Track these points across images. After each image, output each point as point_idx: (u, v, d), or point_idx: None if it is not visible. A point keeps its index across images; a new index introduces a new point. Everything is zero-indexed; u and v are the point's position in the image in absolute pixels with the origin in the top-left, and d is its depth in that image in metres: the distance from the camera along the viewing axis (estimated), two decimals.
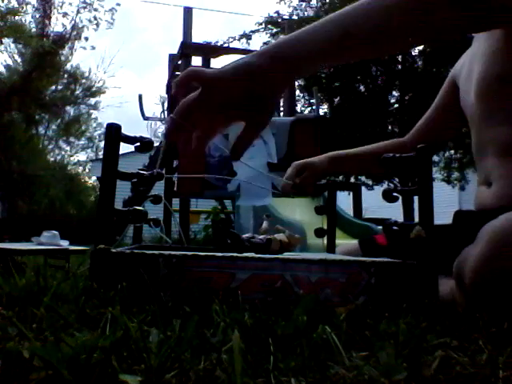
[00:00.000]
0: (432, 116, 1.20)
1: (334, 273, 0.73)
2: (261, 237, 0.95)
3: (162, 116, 3.95)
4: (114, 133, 0.78)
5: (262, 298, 0.69)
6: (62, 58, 13.83)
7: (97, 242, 0.74)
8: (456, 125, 1.16)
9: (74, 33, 13.69)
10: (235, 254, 0.78)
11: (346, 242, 1.37)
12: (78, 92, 14.88)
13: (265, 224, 1.09)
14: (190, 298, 0.67)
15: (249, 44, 8.93)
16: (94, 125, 17.56)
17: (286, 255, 0.84)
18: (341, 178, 7.02)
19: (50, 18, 13.49)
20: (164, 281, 0.71)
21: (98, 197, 0.78)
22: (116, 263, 0.72)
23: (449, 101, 1.14)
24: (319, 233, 1.16)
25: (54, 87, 14.11)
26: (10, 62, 13.58)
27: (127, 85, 39.60)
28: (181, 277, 0.71)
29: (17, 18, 12.15)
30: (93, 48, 14.86)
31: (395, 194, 0.84)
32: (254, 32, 8.92)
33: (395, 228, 0.79)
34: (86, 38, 13.82)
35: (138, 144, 0.83)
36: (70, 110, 15.34)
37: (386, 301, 0.71)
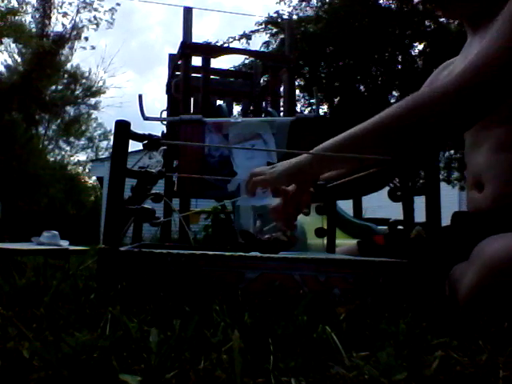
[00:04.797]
0: None
1: (343, 273, 0.73)
2: (267, 236, 0.95)
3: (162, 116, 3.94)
4: (122, 130, 0.78)
5: (267, 298, 0.69)
6: (62, 58, 13.85)
7: (105, 240, 0.73)
8: None
9: (74, 33, 13.71)
10: (244, 254, 0.78)
11: (346, 242, 1.37)
12: (78, 92, 14.90)
13: (258, 223, 1.09)
14: (195, 297, 0.67)
15: (249, 44, 8.92)
16: (94, 125, 17.60)
17: (294, 255, 0.83)
18: None
19: (50, 18, 13.52)
20: (172, 280, 0.71)
21: (107, 194, 0.77)
22: (124, 262, 0.72)
23: None
24: (319, 233, 1.16)
25: (54, 87, 14.12)
26: (10, 61, 13.60)
27: (127, 85, 39.60)
28: (189, 276, 0.71)
29: (17, 18, 12.14)
30: (93, 48, 14.92)
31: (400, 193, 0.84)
32: (253, 32, 8.90)
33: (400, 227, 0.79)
34: (86, 38, 13.85)
35: (146, 142, 0.82)
36: (70, 110, 15.36)
37: (392, 301, 0.71)
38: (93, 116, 16.96)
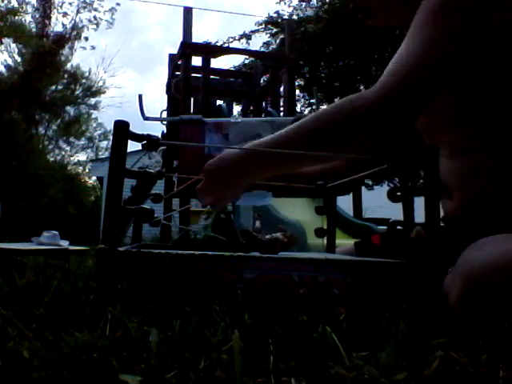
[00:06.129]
0: None
1: (342, 273, 0.73)
2: (267, 236, 0.95)
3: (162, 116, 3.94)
4: (122, 130, 0.78)
5: (266, 298, 0.69)
6: (62, 58, 13.84)
7: (104, 240, 0.73)
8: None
9: (74, 33, 13.70)
10: (243, 254, 0.78)
11: (345, 243, 1.37)
12: (77, 92, 14.90)
13: (257, 223, 1.09)
14: (195, 298, 0.67)
15: (249, 44, 8.94)
16: (94, 125, 17.58)
17: (293, 255, 0.83)
18: None
19: (50, 17, 13.51)
20: (171, 280, 0.71)
21: (106, 195, 0.77)
22: (122, 262, 0.72)
23: None
24: (319, 233, 1.16)
25: (54, 87, 14.11)
26: (10, 61, 13.60)
27: (127, 84, 39.62)
28: (188, 276, 0.71)
29: (17, 17, 12.15)
30: (93, 48, 14.92)
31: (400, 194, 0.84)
32: (254, 32, 8.91)
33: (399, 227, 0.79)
34: (86, 38, 13.84)
35: (145, 142, 0.83)
36: (70, 110, 15.36)
37: (392, 301, 0.71)
38: (93, 116, 16.96)
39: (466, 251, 0.73)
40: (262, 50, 8.37)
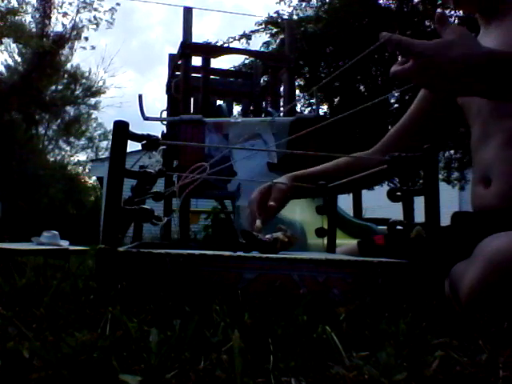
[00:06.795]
0: (403, 127, 1.15)
1: (341, 273, 0.73)
2: (267, 236, 0.95)
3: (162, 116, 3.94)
4: (121, 130, 0.78)
5: (266, 298, 0.69)
6: (62, 58, 13.83)
7: (104, 240, 0.73)
8: (428, 133, 1.10)
9: (74, 33, 13.69)
10: (243, 254, 0.78)
11: (346, 242, 1.37)
12: (77, 92, 14.88)
13: (258, 222, 1.09)
14: (195, 298, 0.67)
15: (249, 44, 8.94)
16: (94, 125, 17.58)
17: (293, 255, 0.83)
18: None
19: (50, 17, 13.49)
20: (171, 280, 0.71)
21: (106, 195, 0.77)
22: (122, 262, 0.72)
23: (426, 108, 1.10)
24: (320, 233, 1.16)
25: (54, 87, 14.10)
26: (10, 61, 13.59)
27: (128, 84, 39.61)
28: (187, 276, 0.71)
29: (17, 17, 12.14)
30: (93, 48, 14.87)
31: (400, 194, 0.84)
32: (254, 32, 8.91)
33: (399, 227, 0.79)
34: (86, 38, 13.82)
35: (145, 142, 0.82)
36: (70, 110, 15.34)
37: (392, 301, 0.70)
38: (93, 116, 16.96)
39: (485, 240, 0.71)
40: (262, 50, 8.36)
